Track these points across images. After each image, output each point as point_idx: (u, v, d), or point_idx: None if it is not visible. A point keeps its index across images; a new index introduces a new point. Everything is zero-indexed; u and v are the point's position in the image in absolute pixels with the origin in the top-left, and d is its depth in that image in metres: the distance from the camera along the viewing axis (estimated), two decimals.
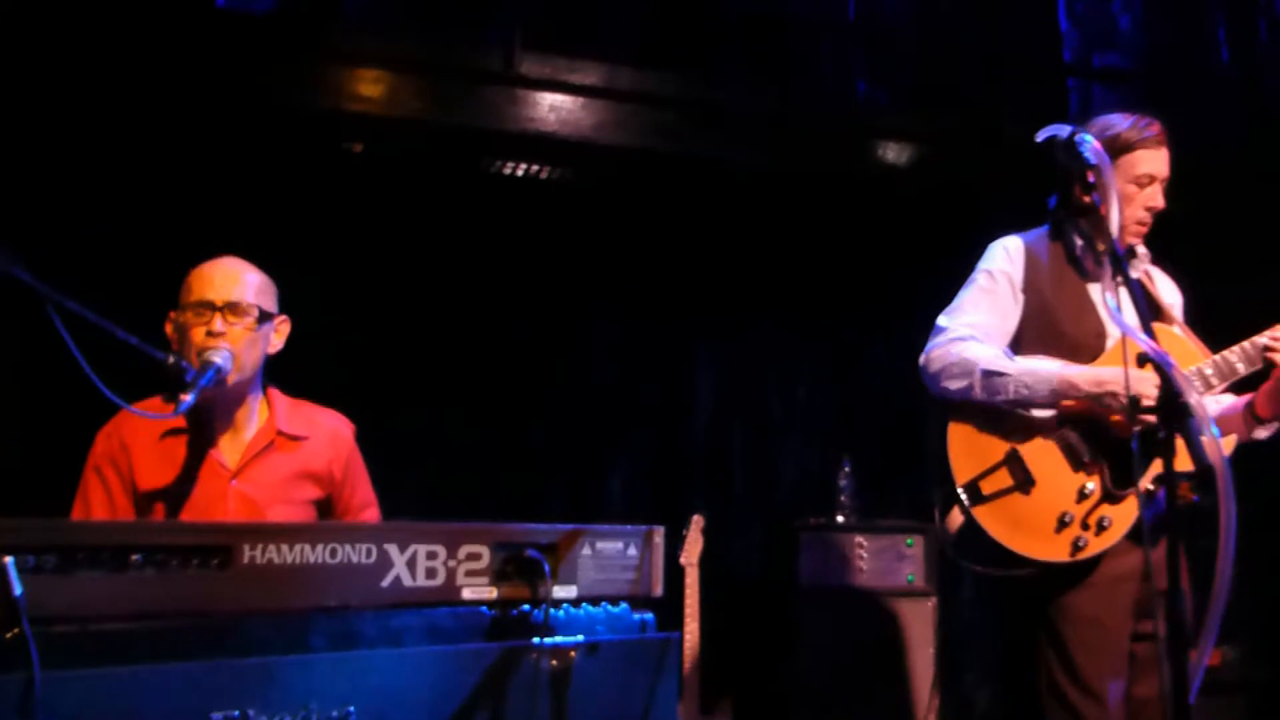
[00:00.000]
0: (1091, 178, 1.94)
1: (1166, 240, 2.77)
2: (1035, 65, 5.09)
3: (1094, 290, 2.66)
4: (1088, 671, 2.49)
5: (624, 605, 1.97)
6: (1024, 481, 2.57)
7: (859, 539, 4.29)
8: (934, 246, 3.03)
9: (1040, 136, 2.10)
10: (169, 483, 2.29)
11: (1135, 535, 2.51)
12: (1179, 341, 2.67)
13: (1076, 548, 2.51)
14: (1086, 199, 1.92)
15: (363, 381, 4.08)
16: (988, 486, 2.57)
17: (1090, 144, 1.97)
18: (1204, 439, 1.72)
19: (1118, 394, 2.43)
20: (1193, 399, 1.76)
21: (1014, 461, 2.59)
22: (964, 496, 2.57)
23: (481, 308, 4.59)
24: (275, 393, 2.49)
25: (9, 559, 1.37)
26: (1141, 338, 1.76)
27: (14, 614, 1.35)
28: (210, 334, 2.26)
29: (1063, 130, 2.03)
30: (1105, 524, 2.52)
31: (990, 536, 2.55)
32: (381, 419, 2.70)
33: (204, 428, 2.35)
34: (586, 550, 1.92)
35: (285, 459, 2.41)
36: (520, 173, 4.47)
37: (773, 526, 4.79)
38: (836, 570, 4.27)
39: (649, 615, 1.98)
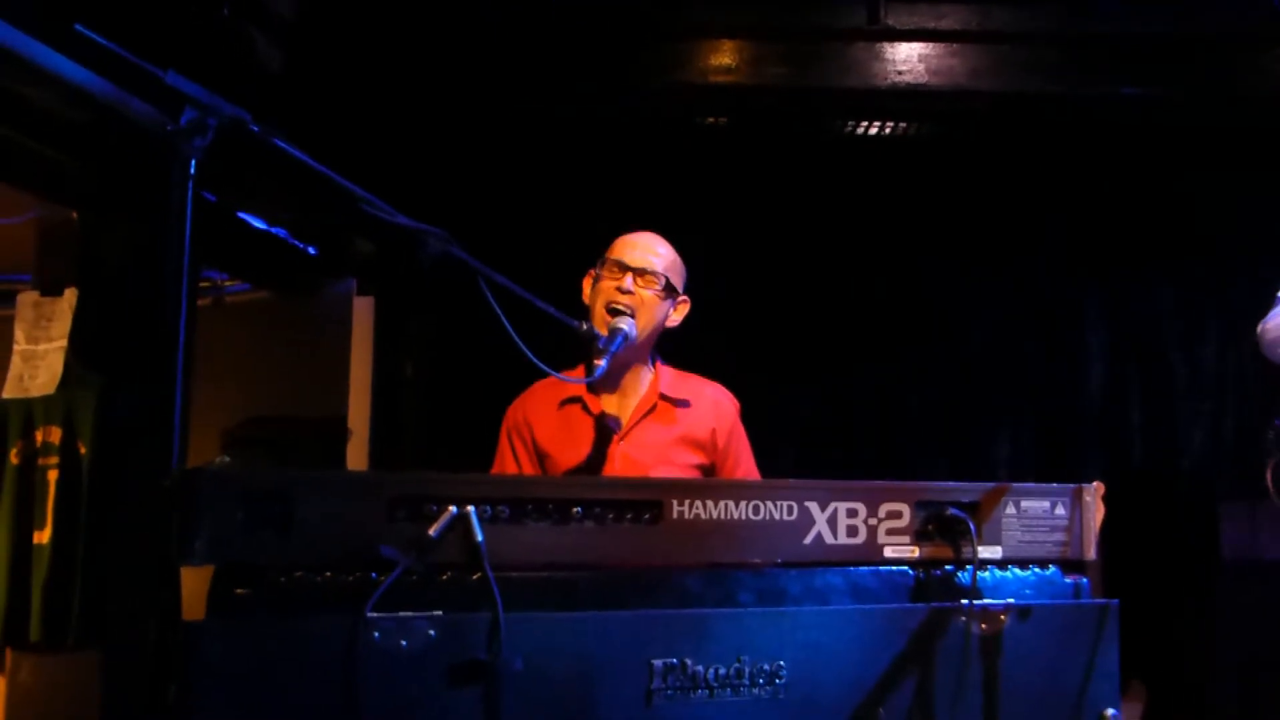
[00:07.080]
0: None
1: None
2: None
3: None
4: None
5: (1053, 568, 1.85)
6: None
7: None
8: None
9: None
10: (564, 445, 2.45)
11: None
12: None
13: None
14: None
15: (738, 350, 4.13)
16: None
17: None
18: None
19: None
20: None
21: None
22: None
23: (855, 272, 4.51)
24: (662, 365, 2.58)
25: (470, 508, 1.48)
26: None
27: (477, 558, 1.46)
28: (620, 290, 2.40)
29: None
30: None
31: None
32: (758, 387, 2.72)
33: (596, 393, 2.48)
34: (1011, 510, 1.82)
35: (668, 423, 2.49)
36: (888, 131, 4.31)
37: (1185, 495, 4.36)
38: (1272, 545, 3.81)
39: (1083, 579, 1.84)
